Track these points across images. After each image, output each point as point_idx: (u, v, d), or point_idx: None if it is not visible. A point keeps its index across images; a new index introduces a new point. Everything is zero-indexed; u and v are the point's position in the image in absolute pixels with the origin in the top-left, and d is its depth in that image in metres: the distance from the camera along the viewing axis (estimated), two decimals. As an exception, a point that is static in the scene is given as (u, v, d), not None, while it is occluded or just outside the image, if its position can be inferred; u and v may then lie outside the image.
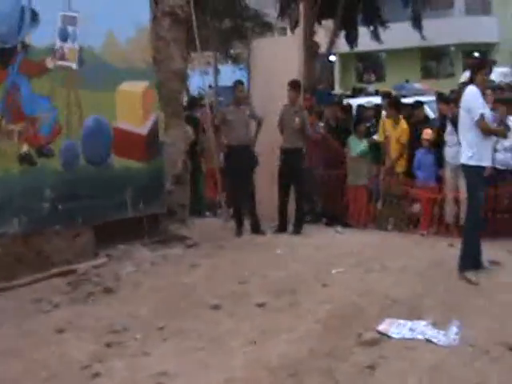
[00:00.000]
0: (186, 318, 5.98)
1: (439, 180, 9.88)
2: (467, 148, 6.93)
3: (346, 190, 10.56)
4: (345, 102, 13.18)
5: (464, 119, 6.97)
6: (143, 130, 8.65)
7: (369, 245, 8.56)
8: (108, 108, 8.14)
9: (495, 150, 9.03)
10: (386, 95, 11.45)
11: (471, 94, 6.91)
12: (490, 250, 7.37)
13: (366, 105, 11.58)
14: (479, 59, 7.78)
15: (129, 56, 8.45)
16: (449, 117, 9.51)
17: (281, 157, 9.77)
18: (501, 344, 5.20)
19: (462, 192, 9.10)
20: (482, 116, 6.77)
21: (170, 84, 9.11)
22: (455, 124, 8.70)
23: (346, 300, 6.33)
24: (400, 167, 10.36)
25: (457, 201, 9.48)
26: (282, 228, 9.80)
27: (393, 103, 10.59)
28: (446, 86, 25.55)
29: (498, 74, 22.38)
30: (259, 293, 6.58)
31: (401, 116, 10.40)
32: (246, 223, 9.76)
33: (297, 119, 9.63)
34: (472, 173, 6.96)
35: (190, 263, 7.82)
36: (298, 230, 9.66)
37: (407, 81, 28.22)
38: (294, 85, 9.75)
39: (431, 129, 10.04)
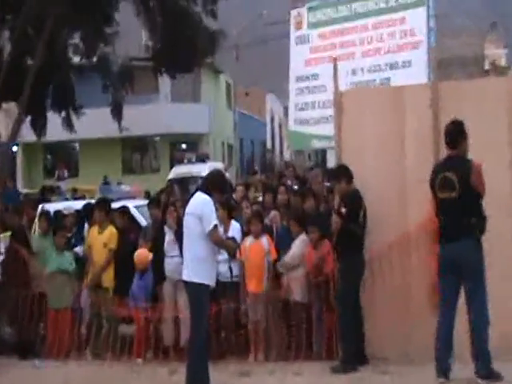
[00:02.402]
0: None
1: (156, 296, 10.26)
2: (193, 263, 7.48)
3: (46, 314, 10.54)
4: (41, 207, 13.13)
5: (193, 229, 7.53)
6: None
7: (78, 379, 8.64)
8: None
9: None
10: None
11: (205, 202, 7.58)
12: (218, 374, 7.93)
13: (64, 211, 11.79)
14: (217, 175, 8.39)
15: None
16: (171, 225, 10.06)
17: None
18: None
19: (182, 310, 9.64)
20: (216, 227, 7.38)
21: None
22: (177, 233, 9.31)
23: None
24: (108, 281, 10.60)
25: (176, 320, 9.96)
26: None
27: (101, 206, 10.93)
28: (151, 183, 26.76)
29: (209, 169, 24.04)
30: None
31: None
32: None
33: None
34: (197, 291, 7.50)
35: None
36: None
37: (105, 177, 28.90)
38: None
39: (145, 243, 10.50)
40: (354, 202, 8.61)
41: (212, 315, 8.91)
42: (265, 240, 9.95)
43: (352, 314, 8.60)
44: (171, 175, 25.94)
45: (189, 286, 7.58)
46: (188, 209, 7.81)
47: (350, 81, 12.03)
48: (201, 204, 7.61)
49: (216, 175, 8.28)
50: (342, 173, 8.86)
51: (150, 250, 10.28)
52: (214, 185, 7.78)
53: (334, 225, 8.67)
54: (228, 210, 10.19)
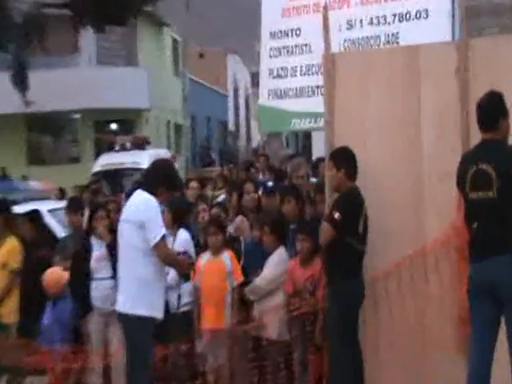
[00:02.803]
0: None
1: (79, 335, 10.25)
2: (132, 287, 7.52)
3: None
4: None
5: (132, 242, 7.58)
6: None
7: None
8: None
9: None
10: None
11: (148, 205, 7.62)
12: None
13: None
14: (162, 167, 8.41)
15: None
16: (101, 236, 10.04)
17: None
18: None
19: (115, 354, 9.68)
20: (164, 238, 7.38)
21: None
22: (110, 246, 9.32)
23: None
24: (9, 315, 10.60)
25: (106, 368, 9.94)
26: None
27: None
28: (69, 177, 26.68)
29: (151, 158, 24.05)
30: None
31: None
32: None
33: None
34: (137, 327, 7.56)
35: None
36: None
37: (4, 169, 28.63)
38: None
39: (62, 261, 10.47)
40: (353, 205, 8.59)
41: (157, 360, 8.95)
42: (227, 256, 9.98)
43: (347, 357, 8.59)
44: (97, 167, 25.93)
45: (125, 319, 7.60)
46: (124, 214, 7.82)
47: (345, 37, 12.02)
48: (142, 207, 7.65)
49: (161, 167, 8.31)
50: (345, 158, 8.71)
51: (69, 270, 10.27)
52: (158, 180, 7.79)
53: (324, 235, 8.64)
54: (175, 213, 10.18)
